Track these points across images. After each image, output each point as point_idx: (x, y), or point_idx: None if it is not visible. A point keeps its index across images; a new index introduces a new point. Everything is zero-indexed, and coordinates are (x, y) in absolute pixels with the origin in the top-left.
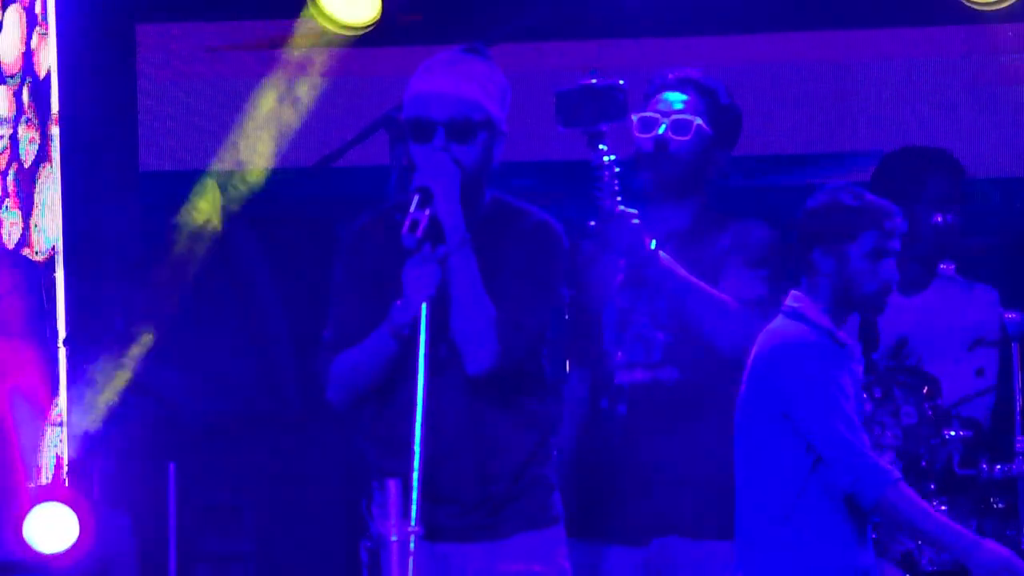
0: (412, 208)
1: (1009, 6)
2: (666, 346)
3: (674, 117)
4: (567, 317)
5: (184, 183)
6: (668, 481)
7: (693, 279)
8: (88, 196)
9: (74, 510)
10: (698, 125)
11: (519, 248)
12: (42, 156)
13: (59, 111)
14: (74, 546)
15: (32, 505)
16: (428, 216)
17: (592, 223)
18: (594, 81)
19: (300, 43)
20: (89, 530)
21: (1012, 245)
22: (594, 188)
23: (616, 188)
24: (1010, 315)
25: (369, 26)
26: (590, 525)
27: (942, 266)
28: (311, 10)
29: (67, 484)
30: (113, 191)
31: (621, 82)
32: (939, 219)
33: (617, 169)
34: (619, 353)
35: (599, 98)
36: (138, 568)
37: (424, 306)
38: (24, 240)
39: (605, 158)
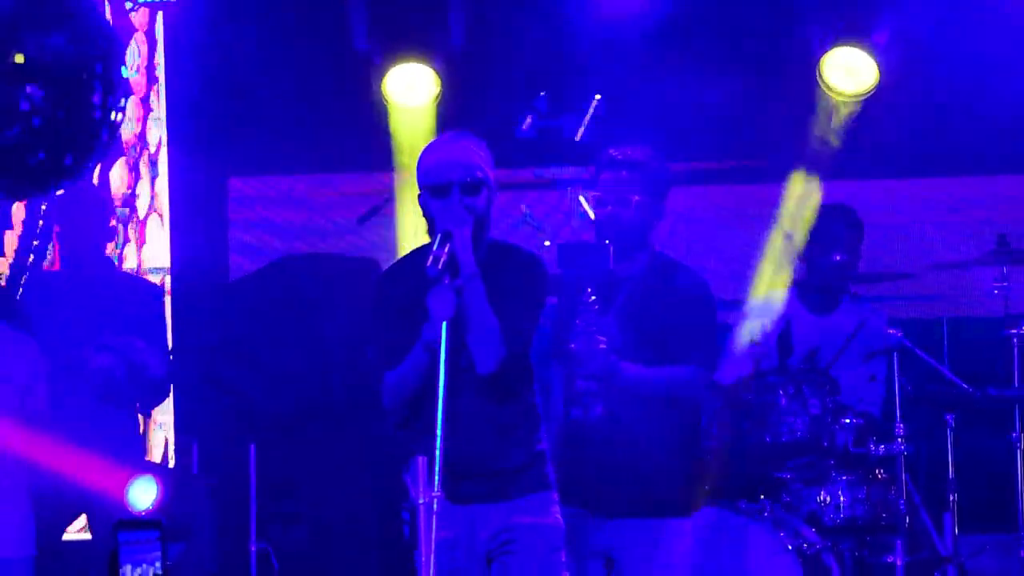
0: (435, 247)
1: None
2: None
3: (617, 195)
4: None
5: None
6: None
7: (645, 371)
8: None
9: (158, 480)
10: (637, 200)
11: (514, 277)
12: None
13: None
14: (158, 507)
15: (130, 477)
16: (447, 253)
17: (572, 345)
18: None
19: None
20: (170, 495)
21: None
22: (579, 317)
23: (593, 324)
24: (892, 331)
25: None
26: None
27: (842, 293)
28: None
29: (173, 462)
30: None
31: (607, 241)
32: (838, 258)
33: (596, 307)
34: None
35: (591, 252)
36: (213, 524)
37: (444, 324)
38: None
39: (591, 298)
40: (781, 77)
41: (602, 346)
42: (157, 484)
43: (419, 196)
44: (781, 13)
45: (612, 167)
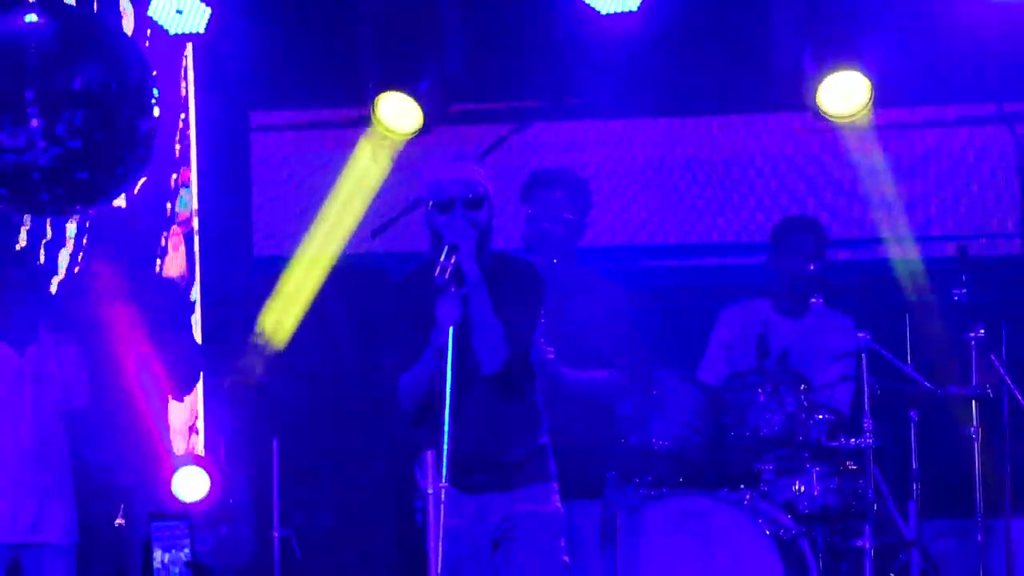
0: (442, 259)
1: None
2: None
3: (548, 212)
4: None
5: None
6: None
7: (578, 376)
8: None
9: (206, 471)
10: (565, 217)
11: (514, 283)
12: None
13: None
14: (206, 497)
15: (176, 469)
16: (453, 264)
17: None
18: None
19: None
20: (217, 485)
21: (865, 286)
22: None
23: (542, 334)
24: (861, 335)
25: (414, 133)
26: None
27: (812, 300)
28: (373, 120)
29: (203, 454)
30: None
31: (555, 260)
32: (810, 267)
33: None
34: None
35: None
36: (252, 511)
37: (452, 329)
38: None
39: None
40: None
41: (550, 356)
42: (206, 474)
43: (425, 211)
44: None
45: (545, 186)
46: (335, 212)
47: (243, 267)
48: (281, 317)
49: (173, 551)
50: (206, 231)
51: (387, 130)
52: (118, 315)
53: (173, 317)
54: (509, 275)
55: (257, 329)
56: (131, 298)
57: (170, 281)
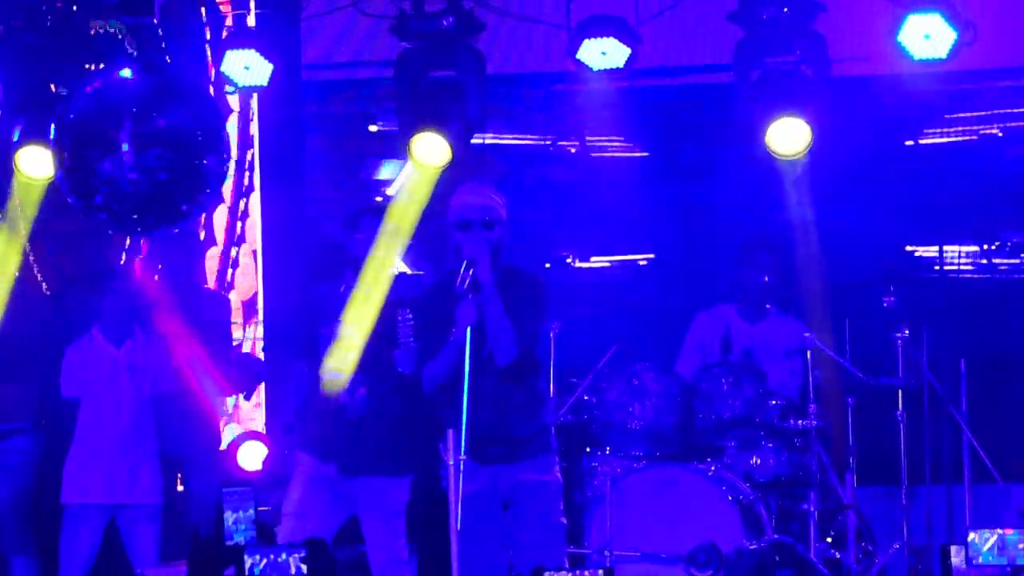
0: (462, 271)
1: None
2: None
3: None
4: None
5: None
6: None
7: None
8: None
9: (265, 445)
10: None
11: (523, 291)
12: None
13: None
14: (265, 467)
15: (240, 443)
16: (471, 275)
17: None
18: None
19: None
20: (273, 457)
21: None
22: (400, 329)
23: (410, 335)
24: (807, 335)
25: (445, 166)
26: None
27: (767, 306)
28: (409, 156)
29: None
30: None
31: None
32: (765, 279)
33: (411, 322)
34: None
35: (411, 279)
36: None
37: (469, 329)
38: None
39: (408, 316)
40: None
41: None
42: (265, 446)
43: (449, 229)
44: None
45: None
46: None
47: (301, 284)
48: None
49: (240, 512)
50: (269, 250)
51: (420, 166)
52: (166, 321)
53: (217, 327)
54: (518, 284)
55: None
56: (177, 308)
57: (216, 295)
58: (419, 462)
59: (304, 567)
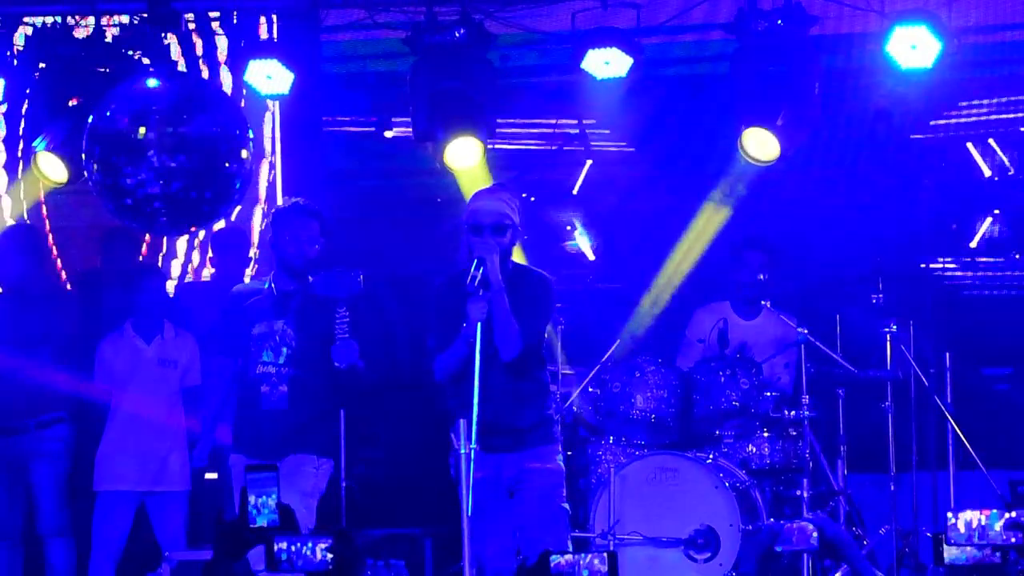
0: (472, 271)
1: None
2: None
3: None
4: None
5: None
6: None
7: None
8: None
9: None
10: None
11: (529, 290)
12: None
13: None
14: None
15: None
16: (481, 275)
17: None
18: None
19: None
20: None
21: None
22: (336, 326)
23: (347, 331)
24: (800, 330)
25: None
26: None
27: (763, 303)
28: (444, 160)
29: None
30: None
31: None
32: (761, 277)
33: (347, 319)
34: None
35: (344, 276)
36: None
37: (479, 325)
38: None
39: (344, 313)
40: None
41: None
42: None
43: (463, 230)
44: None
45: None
46: None
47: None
48: None
49: (264, 496)
50: None
51: (449, 167)
52: None
53: None
54: (526, 284)
55: None
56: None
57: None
58: (338, 450)
59: (330, 556)
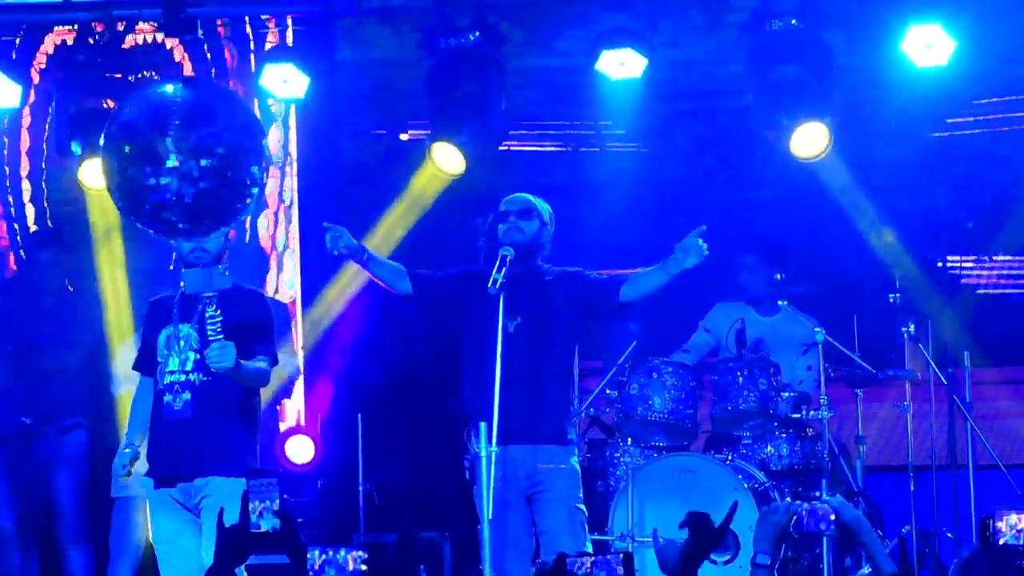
0: (493, 273)
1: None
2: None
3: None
4: None
5: None
6: None
7: (248, 368)
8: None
9: (311, 439)
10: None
11: (554, 284)
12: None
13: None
14: (311, 460)
15: (288, 437)
16: (503, 276)
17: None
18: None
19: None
20: (320, 450)
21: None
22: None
23: (221, 332)
24: (818, 330)
25: (461, 173)
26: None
27: (780, 303)
28: (428, 161)
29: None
30: None
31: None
32: (779, 276)
33: (221, 320)
34: None
35: (208, 275)
36: (342, 469)
37: (500, 329)
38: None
39: (216, 311)
40: None
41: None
42: (312, 441)
43: (491, 227)
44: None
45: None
46: (390, 222)
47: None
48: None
49: (266, 502)
50: (307, 255)
51: (439, 170)
52: None
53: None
54: (549, 278)
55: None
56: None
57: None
58: (248, 463)
59: (364, 568)
